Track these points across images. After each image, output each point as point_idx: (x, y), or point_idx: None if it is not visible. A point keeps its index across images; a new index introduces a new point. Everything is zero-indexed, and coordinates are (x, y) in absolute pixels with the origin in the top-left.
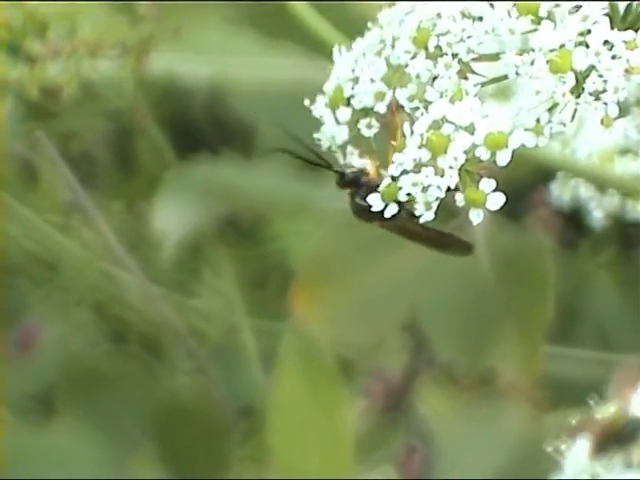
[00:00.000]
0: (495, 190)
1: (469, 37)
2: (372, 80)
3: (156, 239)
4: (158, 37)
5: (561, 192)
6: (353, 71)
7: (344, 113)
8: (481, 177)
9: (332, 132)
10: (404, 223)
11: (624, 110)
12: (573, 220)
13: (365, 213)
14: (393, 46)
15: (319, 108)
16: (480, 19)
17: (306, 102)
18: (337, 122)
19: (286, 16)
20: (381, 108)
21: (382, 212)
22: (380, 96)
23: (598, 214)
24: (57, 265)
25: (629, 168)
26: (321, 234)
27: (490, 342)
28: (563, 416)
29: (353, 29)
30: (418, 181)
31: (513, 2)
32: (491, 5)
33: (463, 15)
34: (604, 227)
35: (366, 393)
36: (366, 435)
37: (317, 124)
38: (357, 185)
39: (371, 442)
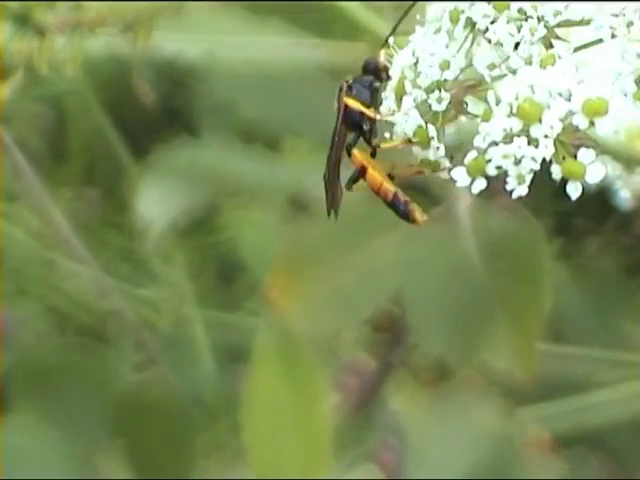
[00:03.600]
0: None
1: None
2: (432, 53)
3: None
4: (162, 13)
5: None
6: (414, 54)
7: (407, 102)
8: (578, 147)
9: (401, 122)
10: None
11: None
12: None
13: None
14: (455, 19)
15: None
16: None
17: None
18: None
19: None
20: (449, 76)
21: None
22: (445, 65)
23: (625, 194)
24: (1, 255)
25: None
26: (299, 222)
27: (481, 335)
28: (533, 410)
29: None
30: (509, 153)
31: None
32: None
33: None
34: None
35: (339, 388)
36: (340, 431)
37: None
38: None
39: (345, 438)
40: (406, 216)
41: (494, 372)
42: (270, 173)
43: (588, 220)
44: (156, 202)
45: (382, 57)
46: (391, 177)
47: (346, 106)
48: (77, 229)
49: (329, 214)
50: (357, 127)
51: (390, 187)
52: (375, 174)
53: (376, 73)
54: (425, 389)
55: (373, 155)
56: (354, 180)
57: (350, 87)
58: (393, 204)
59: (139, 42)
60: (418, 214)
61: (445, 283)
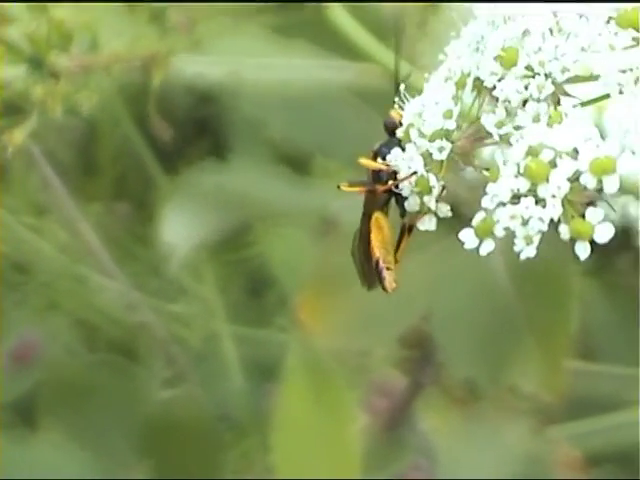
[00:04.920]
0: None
1: (563, 55)
2: (436, 102)
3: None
4: (180, 49)
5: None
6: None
7: (411, 150)
8: (586, 206)
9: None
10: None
11: None
12: None
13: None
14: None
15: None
16: (574, 35)
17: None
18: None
19: (303, 15)
20: (450, 125)
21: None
22: (448, 114)
23: None
24: (32, 269)
25: None
26: (328, 241)
27: (509, 356)
28: (563, 429)
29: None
30: (517, 213)
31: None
32: (583, 17)
33: (552, 31)
34: None
35: (368, 408)
36: (369, 452)
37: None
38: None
39: (374, 459)
40: (380, 280)
41: (522, 393)
42: (299, 196)
43: (619, 236)
44: (180, 227)
45: (394, 114)
46: (410, 227)
47: (373, 171)
48: (106, 243)
49: (364, 286)
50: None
51: (375, 252)
52: (373, 241)
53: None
54: (456, 408)
55: (402, 216)
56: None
57: (375, 153)
58: (375, 268)
59: (155, 79)
60: (388, 282)
61: (473, 304)
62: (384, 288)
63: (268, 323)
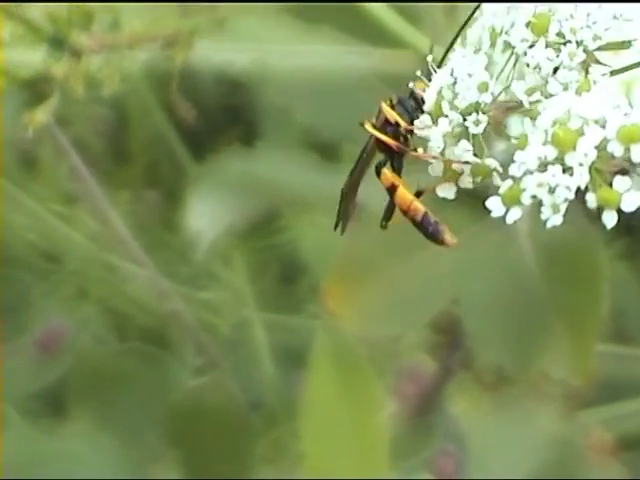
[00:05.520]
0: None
1: (594, 23)
2: (470, 75)
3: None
4: (203, 29)
5: None
6: (452, 74)
7: (443, 125)
8: (613, 175)
9: (436, 142)
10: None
11: None
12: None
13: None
14: (493, 42)
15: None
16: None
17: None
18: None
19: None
20: (487, 99)
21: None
22: (483, 87)
23: None
24: (61, 257)
25: None
26: (354, 229)
27: (538, 342)
28: (595, 413)
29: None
30: (544, 181)
31: None
32: None
33: None
34: None
35: (397, 394)
36: (398, 439)
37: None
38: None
39: (403, 446)
40: (434, 237)
41: (552, 378)
42: (327, 182)
43: None
44: (207, 214)
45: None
46: (419, 193)
47: (385, 119)
48: (136, 231)
49: (336, 228)
50: (394, 139)
51: (420, 207)
52: (406, 193)
53: (418, 103)
54: (486, 393)
55: (399, 173)
56: (387, 217)
57: (392, 104)
58: (422, 224)
59: (178, 59)
60: (448, 235)
61: (502, 289)
62: (442, 243)
63: (298, 310)
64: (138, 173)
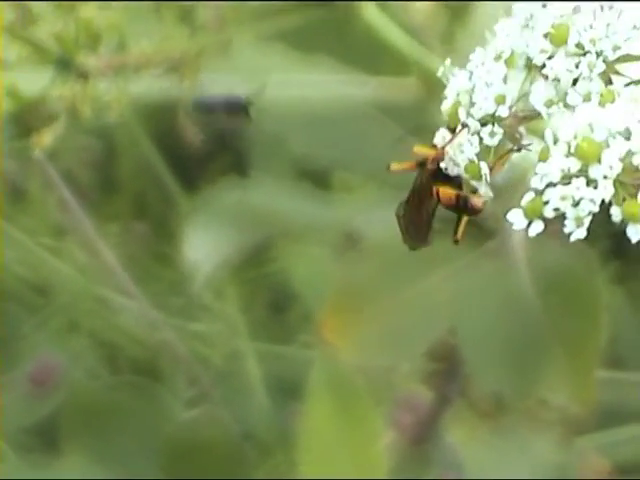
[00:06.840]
0: None
1: (614, 33)
2: (488, 84)
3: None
4: (208, 52)
5: None
6: (471, 79)
7: (463, 135)
8: (638, 188)
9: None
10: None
11: None
12: None
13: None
14: (512, 53)
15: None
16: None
17: None
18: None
19: (326, 30)
20: (503, 112)
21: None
22: (501, 99)
23: None
24: (51, 291)
25: None
26: (351, 258)
27: (536, 369)
28: (592, 439)
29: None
30: (568, 194)
31: None
32: None
33: (603, 8)
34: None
35: (394, 424)
36: (396, 468)
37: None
38: None
39: (402, 476)
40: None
41: (550, 404)
42: (321, 212)
43: None
44: (204, 245)
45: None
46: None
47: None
48: (126, 263)
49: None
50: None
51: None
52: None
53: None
54: (483, 421)
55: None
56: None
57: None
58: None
59: (186, 82)
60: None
61: (500, 317)
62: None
63: (291, 340)
64: (127, 204)
